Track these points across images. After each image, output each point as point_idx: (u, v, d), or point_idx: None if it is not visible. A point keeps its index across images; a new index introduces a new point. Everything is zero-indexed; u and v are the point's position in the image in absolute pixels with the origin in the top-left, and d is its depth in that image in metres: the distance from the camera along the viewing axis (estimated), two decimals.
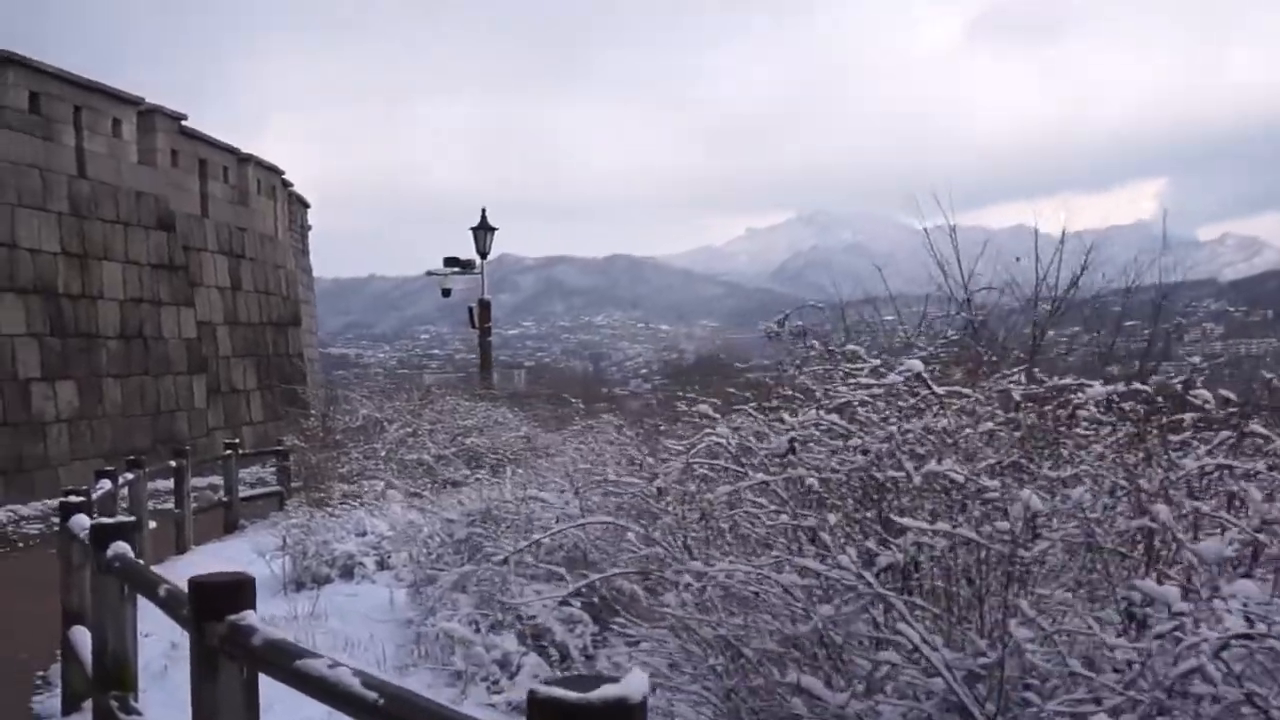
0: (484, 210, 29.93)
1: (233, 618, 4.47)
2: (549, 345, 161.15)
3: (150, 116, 27.81)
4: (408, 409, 22.60)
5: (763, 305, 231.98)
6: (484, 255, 29.98)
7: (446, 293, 30.84)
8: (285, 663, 3.92)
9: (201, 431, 28.41)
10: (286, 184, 37.21)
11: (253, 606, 4.59)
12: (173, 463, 17.45)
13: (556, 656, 8.39)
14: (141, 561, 6.62)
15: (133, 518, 6.74)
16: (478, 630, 8.57)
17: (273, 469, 26.91)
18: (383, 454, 20.40)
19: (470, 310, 30.68)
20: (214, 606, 4.52)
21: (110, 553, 6.66)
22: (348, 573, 13.10)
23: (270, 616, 11.15)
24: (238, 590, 4.56)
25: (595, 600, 9.03)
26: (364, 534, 13.55)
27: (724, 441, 6.35)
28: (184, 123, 29.23)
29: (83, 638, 8.58)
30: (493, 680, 8.21)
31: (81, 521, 8.50)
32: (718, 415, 7.80)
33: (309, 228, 42.27)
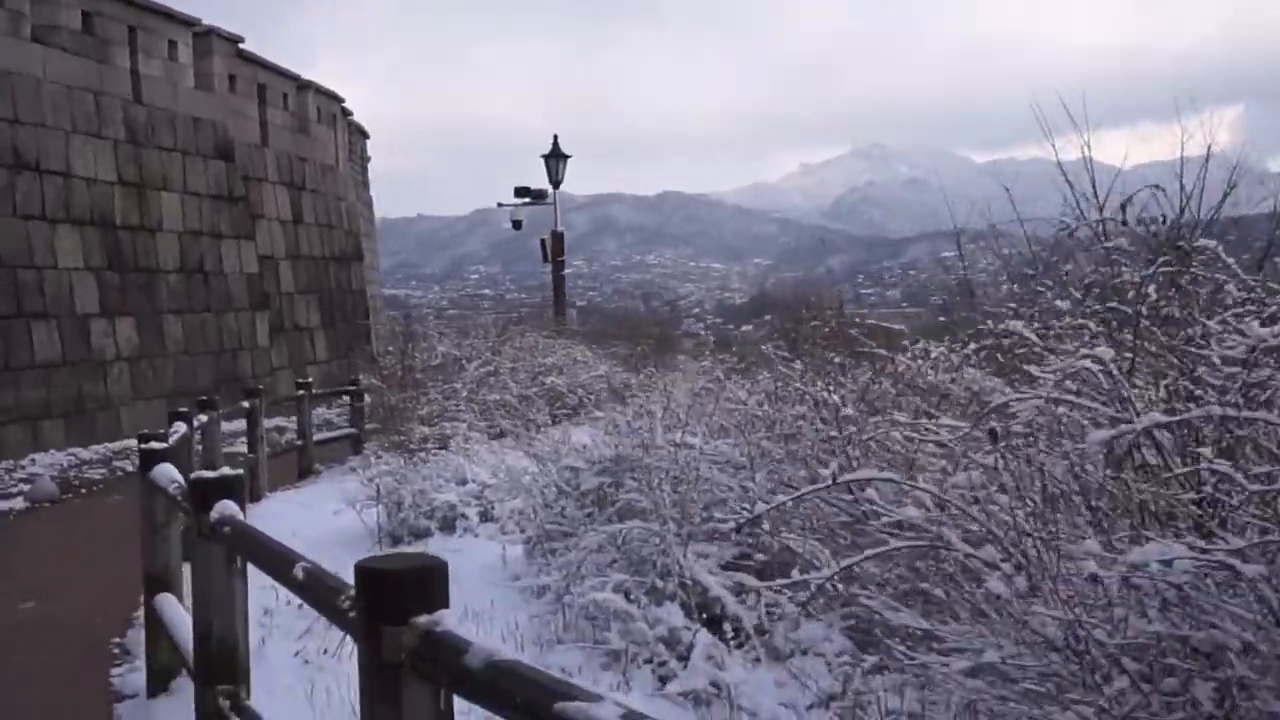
0: (555, 137, 28.44)
1: (424, 621, 3.13)
2: (600, 285, 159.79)
3: (206, 39, 26.42)
4: (486, 346, 21.28)
5: (818, 242, 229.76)
6: (557, 185, 28.51)
7: (517, 224, 29.44)
8: (534, 702, 2.53)
9: (265, 370, 27.25)
10: (347, 112, 35.76)
11: (446, 604, 3.25)
12: (245, 403, 16.20)
13: (729, 631, 7.01)
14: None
15: (239, 470, 5.34)
16: (632, 600, 7.20)
17: (338, 410, 25.77)
18: (463, 394, 19.09)
19: (542, 243, 29.29)
20: (395, 605, 3.17)
21: (215, 514, 5.31)
22: (448, 525, 11.82)
23: None
24: (427, 582, 3.21)
25: (761, 564, 7.66)
26: (464, 482, 12.23)
27: (1101, 368, 4.72)
28: (241, 45, 27.82)
29: (172, 610, 7.29)
30: (659, 661, 6.86)
31: (168, 472, 7.18)
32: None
33: (369, 159, 40.85)
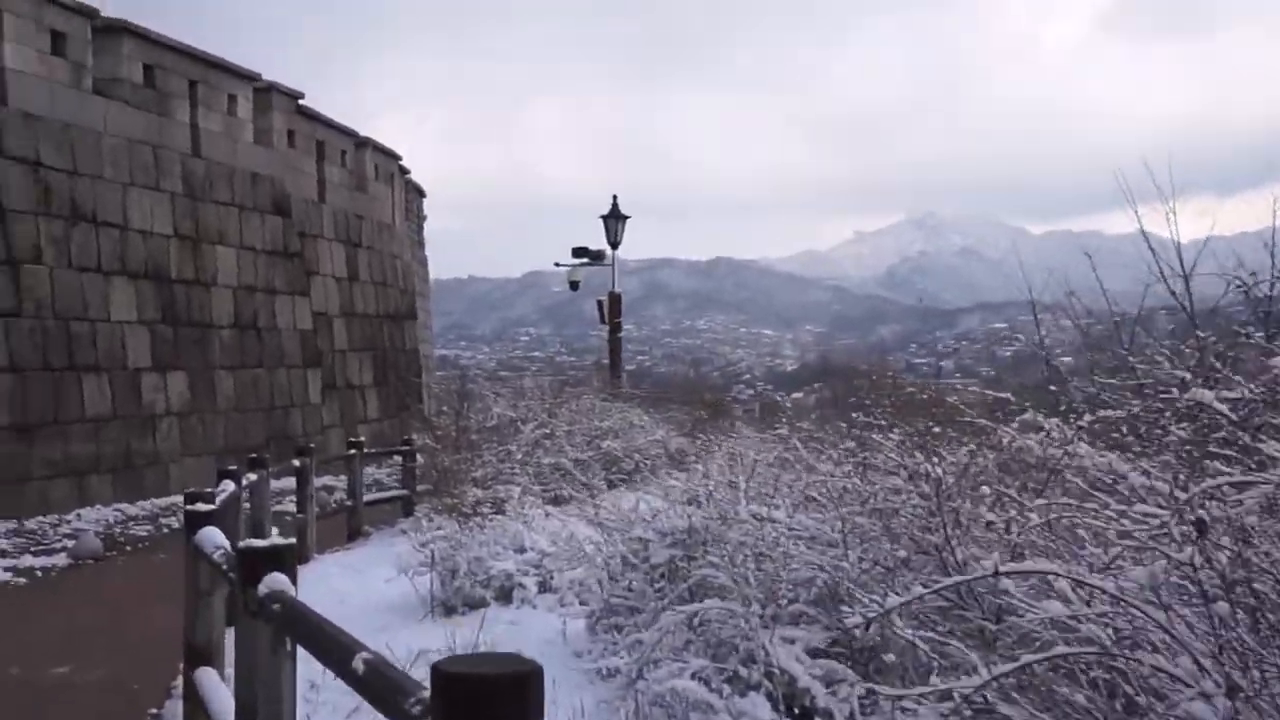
0: (615, 198, 28.07)
1: None
2: (649, 348, 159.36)
3: (267, 94, 26.34)
4: (542, 408, 20.74)
5: (870, 310, 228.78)
6: (615, 245, 28.11)
7: (575, 285, 29.03)
8: None
9: (316, 428, 26.88)
10: (404, 170, 35.65)
11: (541, 713, 2.65)
12: (296, 462, 15.73)
13: None
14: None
15: (291, 540, 4.78)
16: (713, 690, 6.55)
17: (388, 470, 25.28)
18: (518, 456, 18.54)
19: (599, 304, 28.84)
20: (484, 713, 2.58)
21: (264, 589, 4.75)
22: (505, 595, 11.21)
23: (423, 651, 9.30)
24: (523, 691, 2.61)
25: (852, 649, 6.99)
26: (522, 550, 11.63)
27: None
28: (300, 101, 27.74)
29: (213, 687, 6.72)
30: None
31: (213, 537, 6.65)
32: None
33: (424, 217, 40.73)
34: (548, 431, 19.95)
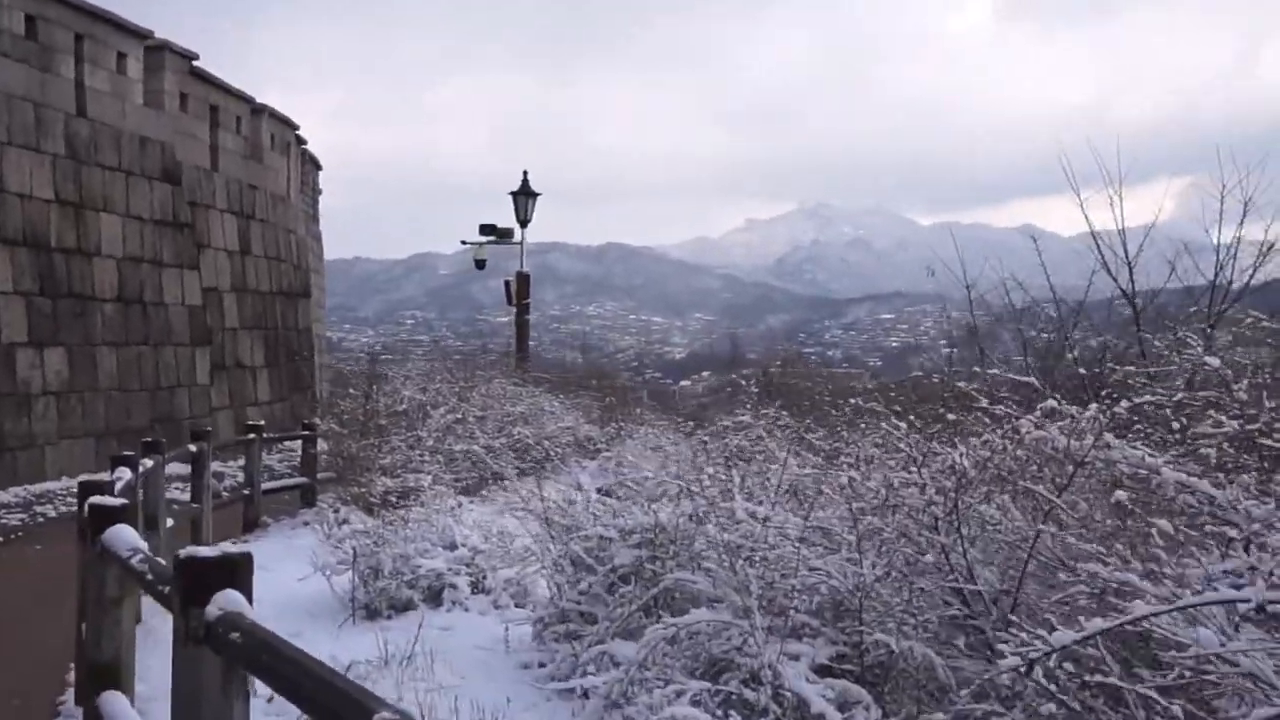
0: (525, 174, 26.97)
1: None
2: (538, 333, 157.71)
3: (159, 54, 24.70)
4: (453, 392, 19.70)
5: (760, 299, 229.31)
6: (524, 223, 27.03)
7: (481, 264, 27.87)
8: None
9: (204, 410, 25.39)
10: (301, 141, 34.01)
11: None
12: (192, 446, 14.48)
13: None
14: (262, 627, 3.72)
15: (245, 549, 3.80)
16: (720, 715, 5.69)
17: (279, 456, 23.96)
18: (429, 443, 17.51)
19: (507, 284, 27.78)
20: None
21: (215, 611, 3.79)
22: (434, 597, 10.24)
23: (351, 662, 8.30)
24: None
25: (863, 666, 6.21)
26: (453, 547, 10.65)
27: None
28: (195, 63, 26.13)
29: (122, 714, 5.68)
30: None
31: (127, 538, 5.60)
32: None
33: (320, 191, 39.07)
34: (459, 417, 18.94)
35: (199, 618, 3.82)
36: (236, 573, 3.93)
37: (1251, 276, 15.61)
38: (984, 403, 6.93)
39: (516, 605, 10.34)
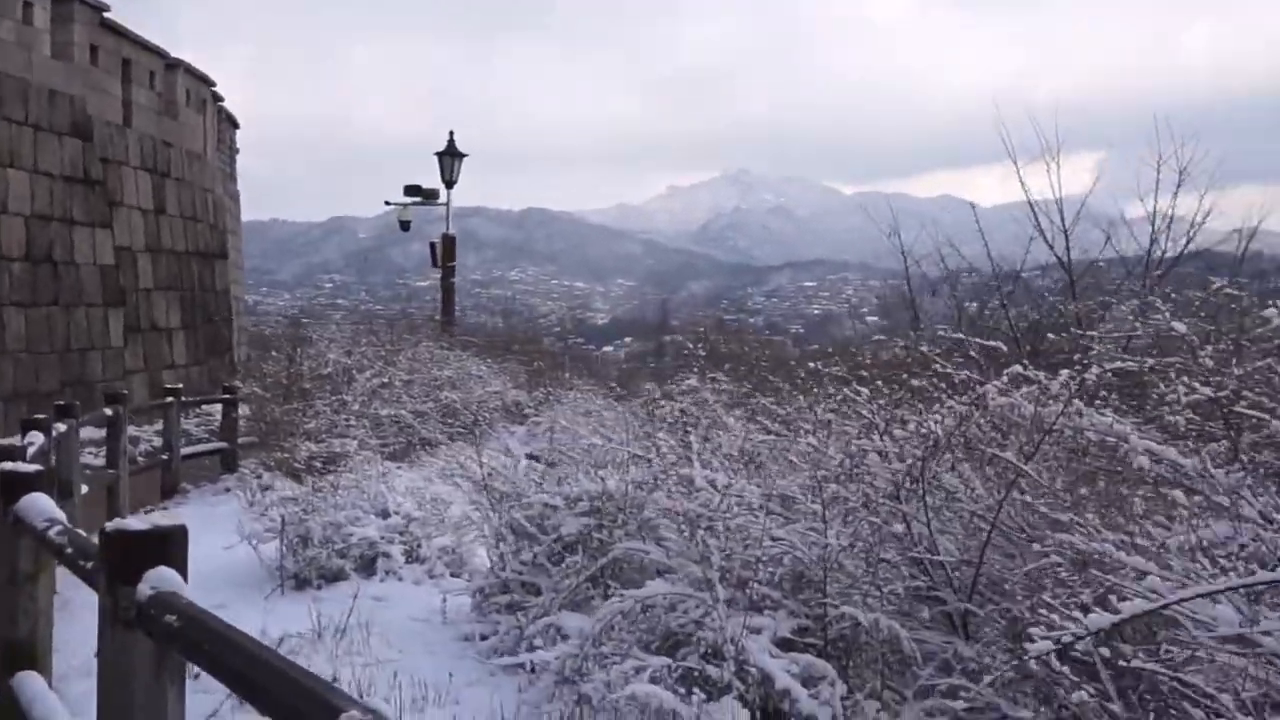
0: (451, 134, 26.35)
1: None
2: (459, 298, 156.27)
3: (67, 4, 23.63)
4: (379, 355, 19.22)
5: (682, 266, 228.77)
6: (450, 184, 26.43)
7: (405, 225, 27.23)
8: None
9: (117, 374, 24.52)
10: (218, 98, 32.94)
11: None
12: (108, 410, 13.91)
13: None
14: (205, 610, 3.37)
15: (179, 522, 3.43)
16: (670, 689, 5.41)
17: (196, 421, 23.27)
18: (355, 408, 17.06)
19: (432, 246, 27.18)
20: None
21: (148, 590, 3.44)
22: (366, 566, 9.87)
23: (283, 635, 7.92)
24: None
25: (827, 639, 5.96)
26: (386, 514, 10.27)
27: None
28: (106, 14, 25.12)
29: (39, 696, 5.28)
30: None
31: (42, 507, 5.19)
32: None
33: (237, 150, 38.02)
34: (385, 381, 18.48)
35: (129, 597, 3.46)
36: (169, 548, 3.58)
37: (1187, 244, 15.67)
38: (947, 367, 6.69)
39: (452, 575, 10.01)
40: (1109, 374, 6.79)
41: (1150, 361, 6.20)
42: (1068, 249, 15.78)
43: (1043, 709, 5.76)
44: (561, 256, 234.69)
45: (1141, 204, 15.78)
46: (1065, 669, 4.29)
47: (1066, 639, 3.78)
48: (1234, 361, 6.35)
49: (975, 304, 17.42)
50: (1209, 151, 15.29)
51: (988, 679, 5.83)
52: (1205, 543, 5.31)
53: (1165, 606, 3.71)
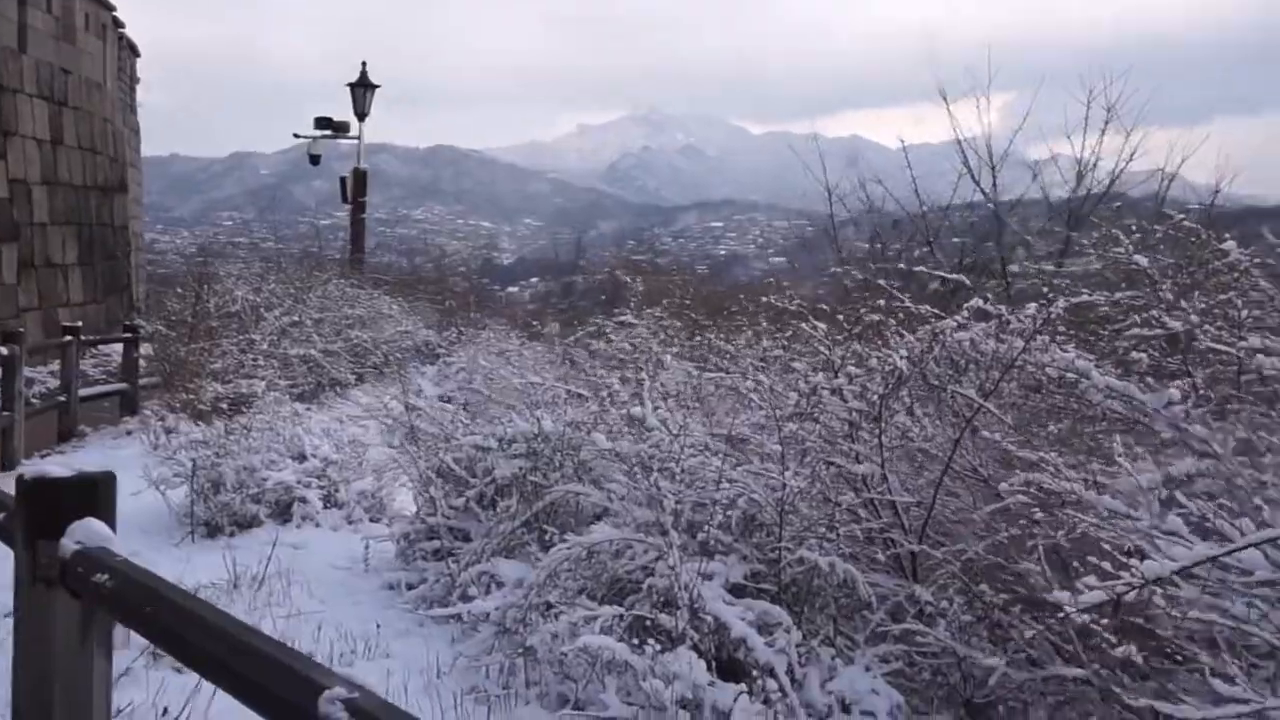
0: (364, 64, 25.52)
1: None
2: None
3: None
4: (288, 294, 18.64)
5: (590, 205, 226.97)
6: (362, 116, 25.64)
7: (315, 159, 26.39)
8: None
9: (10, 312, 23.51)
10: (118, 24, 31.59)
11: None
12: (3, 349, 13.24)
13: (760, 683, 5.07)
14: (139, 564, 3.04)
15: (108, 469, 3.08)
16: (635, 643, 5.15)
17: (93, 361, 22.45)
18: (263, 347, 16.52)
19: (342, 181, 26.42)
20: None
21: (72, 545, 3.10)
22: (282, 511, 9.49)
23: (197, 585, 7.52)
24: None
25: (780, 584, 5.76)
26: (303, 458, 9.87)
27: None
28: None
29: None
30: None
31: None
32: None
33: (138, 80, 36.56)
34: (295, 319, 17.94)
35: (50, 553, 3.11)
36: (97, 497, 3.23)
37: (1111, 184, 15.69)
38: (905, 301, 6.49)
39: (373, 520, 9.69)
40: (1064, 311, 6.65)
41: (1118, 295, 6.03)
42: (995, 185, 15.76)
43: (998, 652, 5.66)
44: (469, 195, 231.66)
45: (1069, 142, 15.82)
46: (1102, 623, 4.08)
47: (1121, 589, 3.57)
48: (1196, 295, 6.24)
49: (898, 244, 17.35)
50: (1137, 90, 15.33)
51: (943, 623, 5.71)
52: (1172, 479, 5.20)
53: (1230, 553, 3.53)
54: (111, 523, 3.25)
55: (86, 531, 3.10)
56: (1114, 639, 3.90)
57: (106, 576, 2.90)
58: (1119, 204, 14.65)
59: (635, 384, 6.19)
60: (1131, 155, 14.34)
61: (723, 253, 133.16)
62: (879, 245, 17.67)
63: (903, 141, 15.49)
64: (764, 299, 7.60)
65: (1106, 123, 14.45)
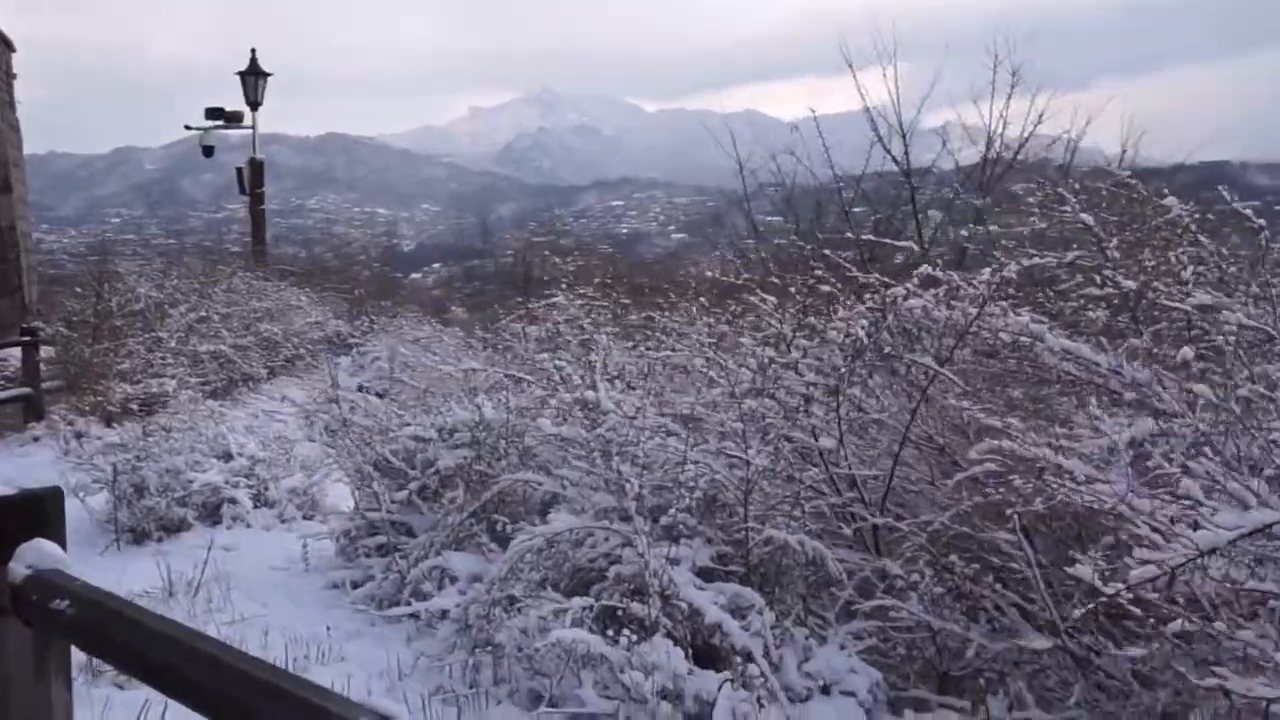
0: (254, 51, 24.76)
1: None
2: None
3: None
4: (193, 289, 18.07)
5: (488, 189, 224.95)
6: (255, 105, 24.91)
7: (209, 151, 25.60)
8: None
9: None
10: None
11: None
12: None
13: (740, 669, 4.90)
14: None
15: (56, 484, 2.79)
16: (610, 635, 4.94)
17: None
18: (171, 344, 15.99)
19: (239, 171, 25.68)
20: None
21: (22, 569, 2.82)
22: (211, 513, 9.11)
23: (129, 595, 7.15)
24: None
25: (749, 565, 5.59)
26: (229, 457, 9.49)
27: None
28: None
29: None
30: None
31: None
32: None
33: (15, 76, 35.11)
34: (202, 315, 17.39)
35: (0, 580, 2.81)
36: (45, 514, 2.93)
37: (1021, 147, 15.80)
38: (851, 271, 6.33)
39: (305, 518, 9.37)
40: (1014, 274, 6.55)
41: (1071, 255, 5.93)
42: (906, 153, 15.77)
43: (973, 625, 5.56)
44: (363, 183, 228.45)
45: (976, 108, 15.86)
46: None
47: (1175, 561, 3.43)
48: (1146, 252, 6.17)
49: (812, 215, 17.32)
50: (1039, 55, 15.44)
51: (914, 596, 5.59)
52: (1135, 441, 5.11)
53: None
54: (62, 542, 2.97)
55: (37, 553, 2.82)
56: (1168, 609, 3.75)
57: (66, 603, 2.62)
58: (1030, 169, 14.76)
59: (585, 366, 5.94)
60: (1040, 118, 14.41)
61: (625, 231, 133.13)
62: (792, 217, 17.63)
63: (813, 111, 15.40)
64: (709, 274, 7.38)
65: (1013, 86, 14.51)
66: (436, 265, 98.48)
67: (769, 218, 18.81)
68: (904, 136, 15.45)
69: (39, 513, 2.89)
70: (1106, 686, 5.18)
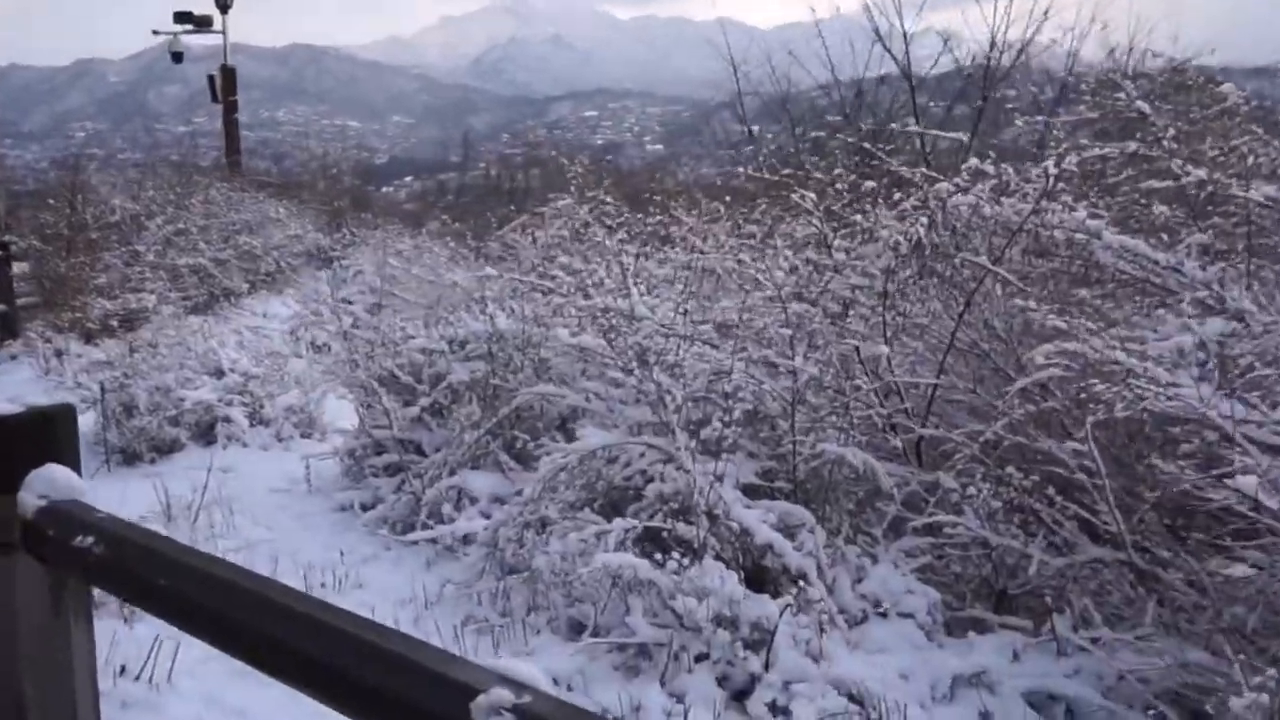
0: None
1: None
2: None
3: None
4: (168, 200, 17.49)
5: (459, 101, 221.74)
6: (225, 9, 24.09)
7: (178, 57, 24.74)
8: None
9: None
10: None
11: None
12: None
13: (797, 590, 4.57)
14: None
15: (68, 402, 2.38)
16: (658, 558, 4.58)
17: None
18: (149, 258, 15.48)
19: (211, 79, 24.89)
20: None
21: (34, 499, 2.40)
22: (205, 433, 8.71)
23: (127, 519, 6.76)
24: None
25: (795, 481, 5.24)
26: (221, 373, 9.06)
27: None
28: None
29: None
30: (710, 659, 4.33)
31: None
32: None
33: None
34: (180, 227, 16.84)
35: (7, 511, 2.41)
36: (56, 436, 2.52)
37: (1022, 51, 15.29)
38: (894, 167, 5.92)
39: (303, 436, 8.98)
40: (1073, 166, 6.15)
41: (1133, 146, 5.52)
42: (907, 54, 15.25)
43: (1030, 540, 5.24)
44: (331, 95, 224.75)
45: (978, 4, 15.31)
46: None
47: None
48: (1208, 142, 5.79)
49: (809, 121, 16.83)
50: None
51: (970, 511, 5.26)
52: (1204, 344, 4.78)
53: None
54: (77, 467, 2.56)
55: (49, 482, 2.40)
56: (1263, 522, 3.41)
57: (91, 539, 2.22)
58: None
59: (616, 269, 5.52)
60: (1045, 14, 13.90)
61: (600, 142, 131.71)
62: (787, 121, 17.14)
63: (814, 10, 14.79)
64: (743, 172, 6.96)
65: None
66: (409, 179, 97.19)
67: (753, 127, 18.29)
68: (905, 36, 14.91)
69: (49, 433, 2.48)
70: (1173, 602, 4.89)
